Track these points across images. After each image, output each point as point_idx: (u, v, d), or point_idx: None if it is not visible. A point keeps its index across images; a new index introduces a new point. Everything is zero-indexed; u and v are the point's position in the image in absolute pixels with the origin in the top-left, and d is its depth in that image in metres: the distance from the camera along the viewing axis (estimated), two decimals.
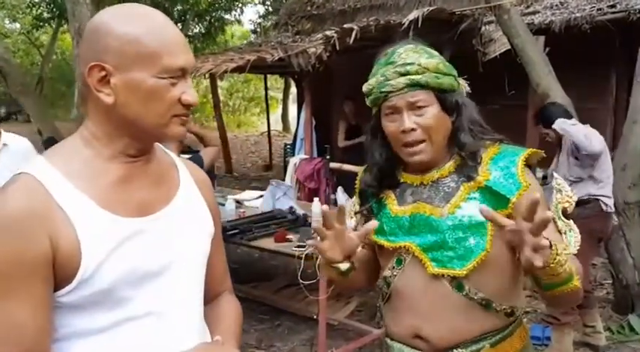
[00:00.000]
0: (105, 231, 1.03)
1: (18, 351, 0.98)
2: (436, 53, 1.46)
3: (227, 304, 1.33)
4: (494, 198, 1.40)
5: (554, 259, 1.21)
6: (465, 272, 1.38)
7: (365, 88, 1.47)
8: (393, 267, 1.49)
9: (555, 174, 1.53)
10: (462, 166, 1.45)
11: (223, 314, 1.29)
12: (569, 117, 3.79)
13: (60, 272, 1.00)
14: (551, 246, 1.20)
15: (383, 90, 1.41)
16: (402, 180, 1.53)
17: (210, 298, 1.29)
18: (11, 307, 0.98)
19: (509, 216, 1.36)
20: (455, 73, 1.45)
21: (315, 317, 3.75)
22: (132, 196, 1.10)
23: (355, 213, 1.65)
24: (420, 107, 1.39)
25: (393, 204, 1.51)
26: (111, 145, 1.09)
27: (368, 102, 1.48)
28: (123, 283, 1.05)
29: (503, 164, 1.43)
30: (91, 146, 1.09)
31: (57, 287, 1.02)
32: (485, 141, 1.47)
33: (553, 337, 3.67)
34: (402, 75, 1.39)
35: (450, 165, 1.47)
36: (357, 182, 1.65)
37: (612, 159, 4.23)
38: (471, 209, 1.40)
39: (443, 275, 1.40)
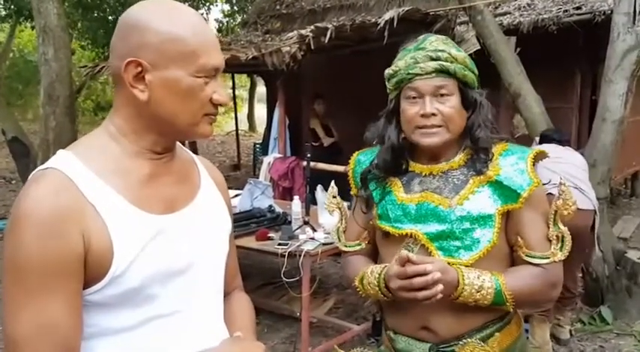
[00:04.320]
0: (136, 229, 1.03)
1: (51, 349, 0.97)
2: (462, 50, 1.49)
3: (240, 300, 1.34)
4: (505, 192, 1.44)
5: (458, 296, 1.39)
6: (471, 261, 1.43)
7: (390, 70, 1.48)
8: None
9: (562, 180, 1.51)
10: (473, 160, 1.48)
11: (238, 311, 1.30)
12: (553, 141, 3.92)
13: (91, 270, 0.99)
14: (458, 284, 1.38)
15: (411, 71, 1.43)
16: (410, 169, 1.55)
17: (223, 295, 1.28)
18: (45, 305, 0.96)
19: (519, 210, 1.43)
20: (477, 72, 1.48)
21: (297, 315, 3.75)
22: (159, 193, 1.09)
23: (355, 196, 1.67)
24: (442, 95, 1.43)
25: (399, 192, 1.53)
26: (139, 141, 1.08)
27: (389, 85, 1.49)
28: (152, 281, 1.05)
29: (513, 160, 1.47)
30: (118, 142, 1.08)
31: (86, 285, 1.00)
32: (494, 139, 1.51)
33: (536, 332, 3.69)
34: (433, 59, 1.42)
35: (460, 158, 1.50)
36: (350, 163, 1.66)
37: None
38: (480, 201, 1.44)
39: (449, 264, 1.43)
